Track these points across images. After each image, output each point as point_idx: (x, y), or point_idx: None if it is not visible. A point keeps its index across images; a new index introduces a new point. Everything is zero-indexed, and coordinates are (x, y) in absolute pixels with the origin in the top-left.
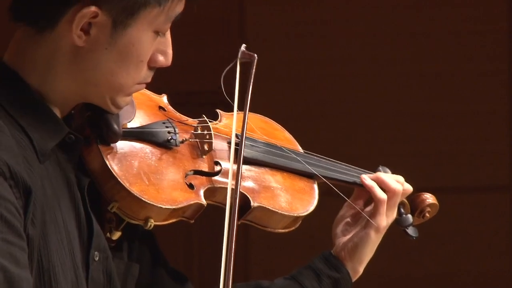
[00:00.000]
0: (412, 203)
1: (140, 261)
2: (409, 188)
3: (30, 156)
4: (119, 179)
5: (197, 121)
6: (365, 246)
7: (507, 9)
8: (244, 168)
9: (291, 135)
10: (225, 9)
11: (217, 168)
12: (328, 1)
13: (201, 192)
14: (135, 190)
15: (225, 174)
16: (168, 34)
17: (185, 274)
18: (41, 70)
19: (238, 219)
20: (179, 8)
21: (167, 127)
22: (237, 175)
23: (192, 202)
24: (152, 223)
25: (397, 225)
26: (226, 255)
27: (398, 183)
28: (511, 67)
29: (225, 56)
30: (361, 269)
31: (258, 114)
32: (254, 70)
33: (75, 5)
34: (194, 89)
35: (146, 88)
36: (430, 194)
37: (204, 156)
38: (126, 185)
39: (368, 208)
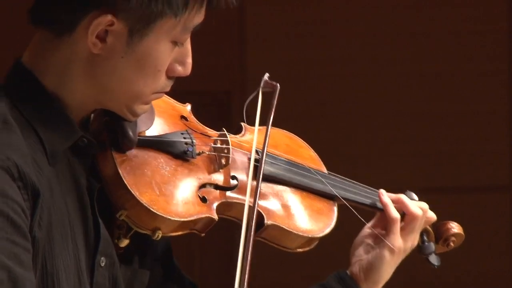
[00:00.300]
0: (437, 230)
1: (151, 268)
2: (432, 216)
3: (40, 157)
4: (129, 188)
5: (218, 134)
6: (380, 266)
7: (507, 9)
8: (262, 185)
9: (316, 154)
10: (225, 9)
11: (233, 182)
12: (328, 1)
13: (214, 206)
14: (144, 199)
15: (241, 189)
16: (188, 44)
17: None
18: (58, 74)
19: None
20: (197, 19)
21: (184, 138)
22: (255, 192)
23: (202, 216)
24: (159, 234)
25: (419, 252)
26: (241, 271)
27: (419, 208)
28: (511, 67)
29: (225, 56)
30: None
31: (284, 130)
32: (276, 100)
33: (92, 12)
34: (194, 89)
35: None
36: (456, 224)
37: (221, 170)
38: (136, 194)
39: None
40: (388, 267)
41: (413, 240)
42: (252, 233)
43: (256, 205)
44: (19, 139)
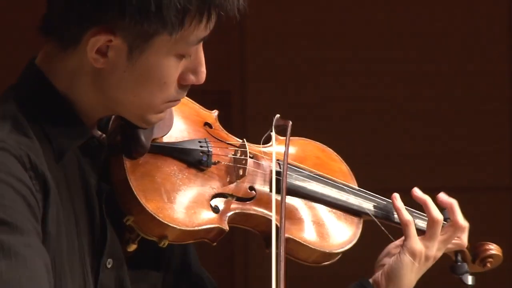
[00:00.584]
0: (475, 250)
1: (165, 269)
2: (463, 223)
3: (47, 155)
4: (135, 194)
5: (239, 144)
6: (399, 270)
7: (507, 9)
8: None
9: (348, 168)
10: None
11: (251, 193)
12: (328, 1)
13: (226, 217)
14: (150, 207)
15: (259, 201)
16: (200, 53)
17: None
18: (67, 83)
19: (268, 247)
20: (201, 33)
21: (201, 146)
22: (281, 207)
23: (211, 226)
24: (166, 242)
25: (451, 271)
26: (276, 282)
27: (439, 212)
28: (511, 67)
29: (225, 56)
30: None
31: (317, 143)
32: (289, 134)
33: (92, 29)
34: (193, 88)
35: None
36: (495, 245)
37: (238, 181)
38: (142, 201)
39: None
40: (409, 272)
41: (436, 248)
42: (283, 247)
43: (281, 219)
44: (29, 135)
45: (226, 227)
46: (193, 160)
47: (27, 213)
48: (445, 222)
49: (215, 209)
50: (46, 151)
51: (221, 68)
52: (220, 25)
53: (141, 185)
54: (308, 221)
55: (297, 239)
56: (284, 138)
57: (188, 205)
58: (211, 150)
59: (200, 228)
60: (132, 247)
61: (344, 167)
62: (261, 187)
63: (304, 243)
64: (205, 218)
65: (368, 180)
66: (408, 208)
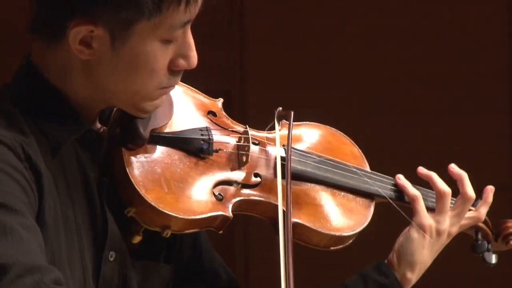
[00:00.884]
0: (497, 228)
1: (176, 260)
2: (471, 194)
3: (43, 149)
4: (135, 185)
5: (242, 131)
6: (409, 245)
7: (507, 9)
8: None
9: (360, 151)
10: (225, 9)
11: (256, 180)
12: (329, 1)
13: (230, 204)
14: (150, 197)
15: (264, 187)
16: (188, 38)
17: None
18: (59, 77)
19: (277, 234)
20: (183, 17)
21: (202, 135)
22: (286, 193)
23: (215, 214)
24: (169, 232)
25: (472, 250)
26: (285, 271)
27: (446, 185)
28: (511, 67)
29: (225, 55)
30: (411, 276)
31: (328, 127)
32: (292, 124)
33: (73, 21)
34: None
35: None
36: None
37: (242, 168)
38: (142, 191)
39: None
40: (420, 248)
41: (449, 222)
42: (289, 231)
43: (288, 205)
44: (25, 131)
45: (229, 214)
46: (193, 148)
47: (24, 198)
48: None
49: (219, 197)
50: (42, 146)
51: (221, 68)
52: (218, 12)
53: (141, 176)
54: (317, 206)
55: (305, 224)
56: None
57: (189, 194)
58: (212, 138)
59: (202, 216)
60: (137, 239)
61: (355, 150)
62: (267, 173)
63: (313, 228)
64: (208, 206)
65: None
66: (418, 186)
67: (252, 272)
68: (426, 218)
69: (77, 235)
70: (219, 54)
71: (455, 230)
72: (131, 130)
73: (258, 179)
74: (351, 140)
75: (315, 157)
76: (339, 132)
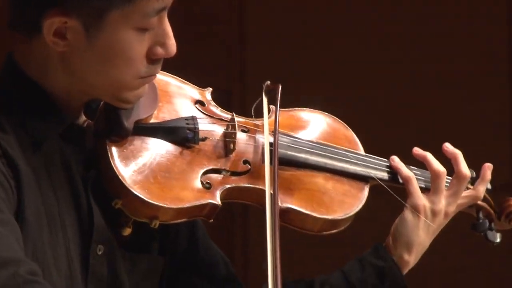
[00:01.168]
0: (500, 206)
1: (171, 251)
2: (466, 172)
3: (24, 146)
4: (119, 176)
5: (230, 118)
6: (402, 227)
7: (507, 9)
8: (279, 169)
9: (353, 134)
10: (225, 9)
11: (245, 167)
12: (330, 2)
13: (218, 192)
14: (135, 188)
15: (254, 174)
16: (165, 26)
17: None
18: (39, 71)
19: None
20: (156, 4)
21: (188, 124)
22: (274, 177)
23: (202, 202)
24: (157, 222)
25: (472, 229)
26: (272, 257)
27: (441, 165)
28: (511, 67)
29: (225, 56)
30: (409, 258)
31: (321, 111)
32: (279, 96)
33: (47, 13)
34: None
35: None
36: None
37: (230, 155)
38: (127, 183)
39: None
40: (415, 230)
41: (445, 202)
42: (276, 216)
43: (275, 189)
44: (3, 127)
45: (218, 202)
46: (179, 138)
47: (2, 193)
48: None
49: (206, 185)
50: (23, 142)
51: (221, 68)
52: (218, 12)
53: (125, 168)
54: (309, 190)
55: (298, 209)
56: (280, 110)
57: (176, 183)
58: (197, 127)
59: (189, 205)
60: (127, 231)
61: (349, 133)
62: (256, 159)
63: (306, 212)
64: (195, 195)
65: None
66: (414, 167)
67: (252, 270)
68: (420, 199)
69: (62, 231)
70: (220, 54)
71: (452, 209)
72: (114, 122)
73: (248, 166)
74: (345, 124)
75: (306, 141)
76: (332, 116)
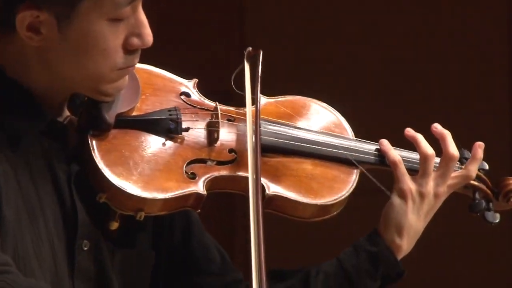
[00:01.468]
0: (498, 186)
1: (166, 245)
2: (453, 152)
3: (3, 143)
4: (102, 170)
5: (213, 107)
6: (390, 212)
7: (507, 9)
8: (266, 156)
9: (342, 119)
10: (225, 9)
11: (231, 156)
12: (330, 1)
13: (202, 182)
14: (117, 181)
15: (241, 162)
16: (140, 15)
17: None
18: (17, 68)
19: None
20: None
21: (171, 115)
22: (255, 164)
23: (186, 192)
24: (142, 214)
25: (470, 211)
26: (255, 246)
27: (430, 147)
28: (511, 67)
29: (225, 56)
30: (400, 242)
31: (308, 98)
32: (260, 62)
33: (19, 8)
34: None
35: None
36: None
37: (215, 145)
38: (109, 176)
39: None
40: (404, 213)
41: (433, 184)
42: (259, 204)
43: (250, 177)
44: None
45: (202, 191)
46: (161, 129)
47: None
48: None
49: (191, 175)
50: (1, 139)
51: (221, 68)
52: (218, 13)
53: (108, 161)
54: (296, 177)
55: (285, 195)
56: (268, 99)
57: (159, 174)
58: (180, 117)
59: (173, 196)
60: (114, 225)
61: (337, 118)
62: (242, 148)
63: (294, 199)
64: (179, 185)
65: (366, 182)
66: (404, 150)
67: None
68: (406, 183)
69: (45, 227)
70: (220, 54)
71: (442, 190)
72: (95, 116)
73: (233, 154)
74: (333, 109)
75: (293, 128)
76: (321, 102)
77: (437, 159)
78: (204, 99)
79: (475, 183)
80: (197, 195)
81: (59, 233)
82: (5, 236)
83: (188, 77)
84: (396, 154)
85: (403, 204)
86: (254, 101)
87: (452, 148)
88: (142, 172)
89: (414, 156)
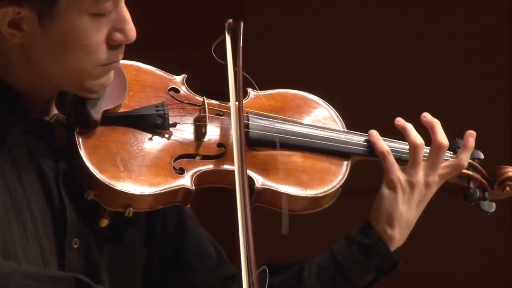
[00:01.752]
0: (493, 175)
1: (159, 242)
2: (442, 141)
3: None
4: (89, 167)
5: (201, 102)
6: (380, 203)
7: (507, 9)
8: (255, 150)
9: (332, 111)
10: (225, 10)
11: (220, 150)
12: (330, 2)
13: (190, 177)
14: (105, 178)
15: (229, 156)
16: (123, 11)
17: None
18: (1, 67)
19: (250, 200)
20: None
21: (158, 110)
22: (241, 158)
23: (174, 187)
24: (131, 210)
25: (464, 200)
26: (244, 241)
27: (419, 136)
28: (511, 67)
29: (225, 56)
30: (392, 233)
31: (298, 91)
32: (242, 32)
33: (0, 6)
34: (193, 89)
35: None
36: None
37: (203, 139)
38: (96, 172)
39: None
40: (394, 203)
41: (423, 173)
42: (246, 198)
43: (237, 170)
44: None
45: (190, 186)
46: (148, 125)
47: None
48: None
49: (179, 170)
50: None
51: (221, 68)
52: (218, 12)
53: (95, 158)
54: (286, 170)
55: (274, 189)
56: (258, 92)
57: (147, 170)
58: (167, 112)
59: (161, 191)
60: (104, 222)
61: (327, 110)
62: (230, 142)
63: (284, 191)
64: (167, 181)
65: (364, 183)
66: (394, 140)
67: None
68: (395, 173)
69: (33, 225)
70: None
71: (433, 179)
72: (82, 113)
73: (222, 149)
74: (324, 102)
75: (283, 121)
76: (310, 94)
77: (428, 149)
78: (193, 94)
79: (469, 172)
80: (185, 190)
81: (47, 232)
82: None
83: (189, 77)
84: (384, 144)
85: (393, 195)
86: (237, 73)
87: (441, 136)
88: (129, 168)
89: (405, 146)
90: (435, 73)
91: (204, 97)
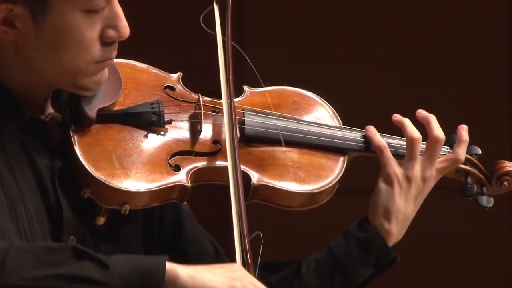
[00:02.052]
0: (491, 170)
1: (156, 240)
2: (438, 134)
3: None
4: (84, 165)
5: (196, 99)
6: (377, 198)
7: (506, 9)
8: (251, 146)
9: (328, 107)
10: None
11: (215, 147)
12: (330, 2)
13: (186, 174)
14: (100, 175)
15: (225, 153)
16: (116, 8)
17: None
18: None
19: (244, 199)
20: None
21: (153, 108)
22: (234, 154)
23: (170, 184)
24: (127, 207)
25: (462, 195)
26: (240, 238)
27: (416, 131)
28: (511, 67)
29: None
30: (389, 227)
31: (295, 88)
32: (230, 10)
33: None
34: (193, 89)
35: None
36: None
37: (199, 136)
38: (92, 170)
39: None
40: (391, 197)
41: (420, 167)
42: (240, 194)
43: (231, 167)
44: None
45: (186, 183)
46: (144, 122)
47: None
48: (446, 148)
49: (175, 167)
50: None
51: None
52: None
53: (90, 156)
54: (283, 166)
55: (270, 185)
56: (254, 90)
57: (142, 167)
58: (162, 110)
59: (157, 187)
60: (101, 220)
61: (323, 106)
62: (226, 139)
63: (280, 188)
64: (162, 177)
65: (363, 182)
66: (391, 136)
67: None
68: (391, 167)
69: (28, 223)
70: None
71: (430, 174)
72: (76, 111)
73: (218, 145)
74: (321, 98)
75: (279, 117)
76: (307, 91)
77: (425, 145)
78: (188, 92)
79: (467, 167)
80: (181, 187)
81: (43, 230)
82: None
83: (188, 75)
84: (381, 139)
85: (390, 189)
86: (225, 43)
87: (437, 130)
88: (125, 165)
89: (402, 142)
90: (434, 73)
91: (200, 94)
